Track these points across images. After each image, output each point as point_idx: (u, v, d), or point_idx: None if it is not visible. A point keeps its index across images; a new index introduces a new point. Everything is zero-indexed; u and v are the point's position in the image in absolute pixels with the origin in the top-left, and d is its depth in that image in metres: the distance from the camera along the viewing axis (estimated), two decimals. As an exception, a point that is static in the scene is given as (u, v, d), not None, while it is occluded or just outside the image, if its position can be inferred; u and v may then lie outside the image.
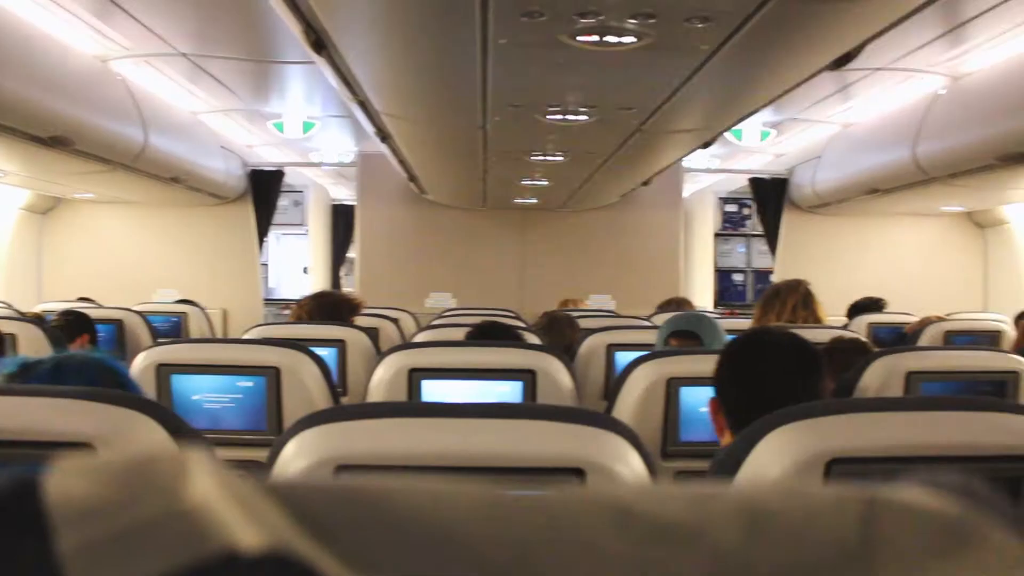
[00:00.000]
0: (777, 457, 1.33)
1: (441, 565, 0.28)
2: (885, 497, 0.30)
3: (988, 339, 5.22)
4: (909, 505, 0.30)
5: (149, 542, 0.25)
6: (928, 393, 2.52)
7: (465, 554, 0.28)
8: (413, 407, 1.36)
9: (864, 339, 3.35)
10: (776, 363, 1.84)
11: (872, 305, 5.88)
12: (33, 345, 3.78)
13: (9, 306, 5.72)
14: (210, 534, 0.26)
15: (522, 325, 4.18)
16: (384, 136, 4.94)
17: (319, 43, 3.01)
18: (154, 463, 0.27)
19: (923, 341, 4.90)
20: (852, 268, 7.92)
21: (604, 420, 1.32)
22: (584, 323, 4.28)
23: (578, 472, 1.24)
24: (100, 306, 5.79)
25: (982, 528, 0.29)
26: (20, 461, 1.31)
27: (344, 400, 3.06)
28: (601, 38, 2.50)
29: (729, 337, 3.64)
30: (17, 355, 3.74)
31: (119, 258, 7.79)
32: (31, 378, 1.54)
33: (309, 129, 6.85)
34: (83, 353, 1.65)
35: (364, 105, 4.11)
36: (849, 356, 2.81)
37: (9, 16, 3.94)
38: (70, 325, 4.29)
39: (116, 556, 0.25)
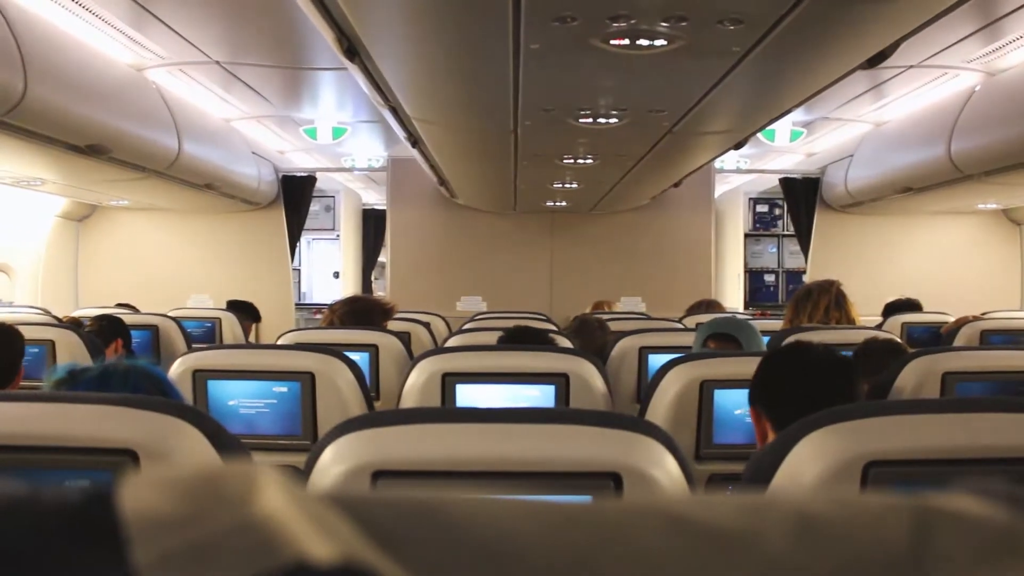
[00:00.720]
0: (814, 460, 1.33)
1: (502, 576, 0.29)
2: (935, 505, 0.30)
3: (1026, 338, 5.15)
4: (959, 513, 0.30)
5: (221, 554, 0.26)
6: (964, 394, 2.49)
7: (525, 564, 0.28)
8: (449, 412, 1.37)
9: (898, 339, 3.32)
10: (814, 383, 1.86)
11: (907, 305, 5.82)
12: (71, 351, 3.84)
13: (47, 312, 5.82)
14: (281, 546, 0.26)
15: (553, 328, 4.19)
16: (415, 141, 4.96)
17: (351, 50, 3.03)
18: (225, 476, 0.28)
19: (959, 341, 4.85)
20: (886, 268, 7.84)
21: (640, 424, 1.33)
22: (616, 326, 4.28)
23: (614, 477, 1.24)
24: (138, 312, 5.87)
25: (1032, 537, 0.29)
26: (66, 467, 1.34)
27: (377, 405, 3.08)
28: (633, 41, 2.50)
29: (765, 339, 3.64)
30: (56, 361, 3.82)
31: (153, 264, 7.89)
32: (78, 385, 1.57)
33: (340, 135, 6.90)
34: (127, 361, 1.68)
35: (395, 111, 4.14)
36: (883, 357, 2.79)
37: (47, 27, 4.01)
38: (104, 330, 4.35)
39: (189, 568, 0.26)
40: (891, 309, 5.84)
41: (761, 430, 1.89)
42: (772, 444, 1.41)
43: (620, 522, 0.29)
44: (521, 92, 3.22)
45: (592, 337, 4.05)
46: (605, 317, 4.86)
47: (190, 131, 5.62)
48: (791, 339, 3.19)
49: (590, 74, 2.99)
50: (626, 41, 2.50)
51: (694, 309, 6.15)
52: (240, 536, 0.27)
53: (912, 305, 5.83)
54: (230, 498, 0.28)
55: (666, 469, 1.27)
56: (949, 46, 4.61)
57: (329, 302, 10.12)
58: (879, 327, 5.04)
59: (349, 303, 3.92)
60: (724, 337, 3.01)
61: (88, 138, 4.50)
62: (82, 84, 4.31)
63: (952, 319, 5.28)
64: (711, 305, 6.40)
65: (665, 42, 2.53)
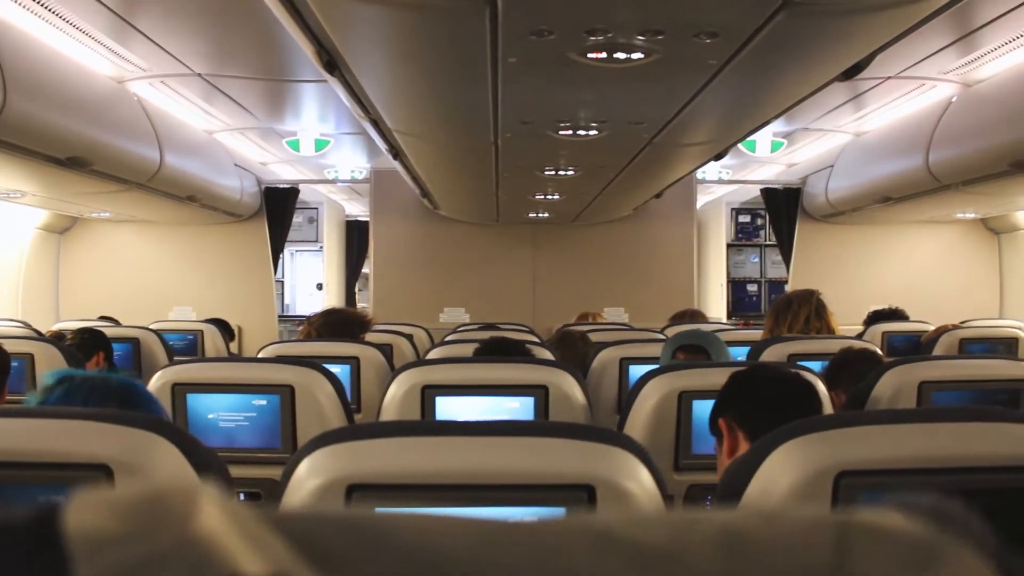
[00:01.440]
0: (786, 470, 1.34)
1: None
2: (858, 520, 0.31)
3: (1005, 346, 5.20)
4: (881, 528, 0.31)
5: (162, 571, 0.27)
6: (941, 403, 2.51)
7: (457, 581, 0.29)
8: (423, 425, 1.38)
9: (875, 348, 3.35)
10: (778, 395, 1.91)
11: (892, 314, 5.84)
12: (50, 364, 3.82)
13: (27, 325, 5.79)
14: (217, 563, 0.27)
15: (535, 340, 4.20)
16: (396, 153, 4.97)
17: (331, 63, 3.04)
18: (167, 495, 0.29)
19: (938, 349, 4.89)
20: (867, 277, 7.90)
21: (614, 436, 1.34)
22: (597, 336, 4.29)
23: (588, 488, 1.25)
24: (120, 324, 5.84)
25: (953, 550, 0.31)
26: (40, 483, 1.34)
27: (358, 417, 3.08)
28: (610, 55, 2.52)
29: (741, 350, 3.66)
30: (36, 375, 3.80)
31: (135, 276, 7.86)
32: (49, 398, 1.57)
33: (323, 147, 6.90)
34: (107, 374, 1.68)
35: (376, 123, 4.15)
36: (860, 366, 2.81)
37: (27, 40, 4.00)
38: (86, 343, 4.34)
39: (130, 585, 0.27)
40: (875, 318, 5.87)
41: (731, 443, 1.91)
42: (745, 455, 1.43)
43: (553, 541, 0.30)
44: (500, 105, 3.24)
45: (574, 349, 4.06)
46: (587, 328, 4.87)
47: (172, 143, 5.61)
48: (763, 354, 3.24)
49: (569, 87, 3.01)
50: (603, 55, 2.52)
51: (677, 319, 6.18)
52: (180, 554, 0.28)
53: (897, 314, 5.86)
54: (171, 517, 0.28)
55: (639, 481, 1.28)
56: (926, 58, 4.67)
57: (312, 314, 10.12)
58: (860, 336, 5.08)
59: (326, 315, 3.94)
60: (693, 348, 3.03)
61: (69, 150, 4.49)
62: (63, 96, 4.30)
63: (932, 328, 5.32)
64: (695, 315, 6.43)
65: (642, 55, 2.55)
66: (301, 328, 4.10)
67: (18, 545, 0.29)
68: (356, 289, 11.55)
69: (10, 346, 3.71)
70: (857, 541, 0.30)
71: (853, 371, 2.77)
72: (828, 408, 2.08)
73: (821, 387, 2.18)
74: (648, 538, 0.30)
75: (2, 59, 3.68)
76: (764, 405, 1.90)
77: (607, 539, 0.30)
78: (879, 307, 6.14)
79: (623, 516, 0.31)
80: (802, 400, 1.94)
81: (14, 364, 3.70)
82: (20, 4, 3.74)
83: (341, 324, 3.77)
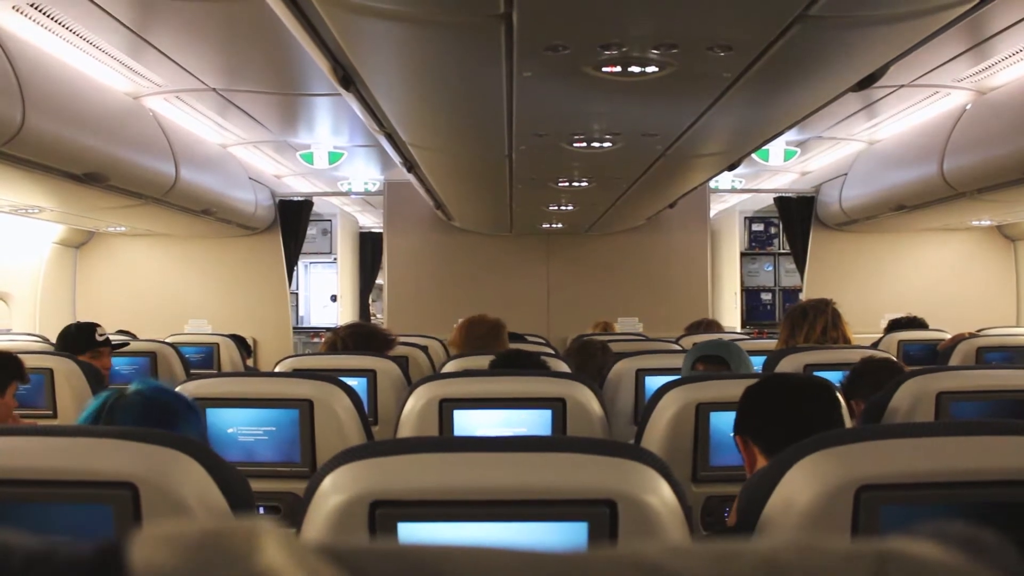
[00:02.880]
0: (807, 484, 1.34)
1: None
2: (894, 550, 0.32)
3: (1022, 355, 5.16)
4: (918, 559, 0.32)
5: (224, 607, 0.28)
6: (959, 414, 2.50)
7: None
8: (446, 442, 1.39)
9: (895, 359, 3.33)
10: (799, 409, 1.91)
11: (912, 323, 5.81)
12: (69, 379, 3.85)
13: (45, 340, 5.83)
14: (280, 600, 0.28)
15: (550, 351, 4.20)
16: (411, 166, 5.00)
17: (347, 79, 3.07)
18: (229, 532, 0.30)
19: (955, 358, 4.86)
20: (881, 285, 7.88)
21: (635, 452, 1.34)
22: (613, 347, 4.29)
23: (610, 504, 1.26)
24: (137, 338, 5.88)
25: (989, 580, 0.31)
26: (67, 501, 1.35)
27: (375, 430, 3.09)
28: (624, 69, 2.53)
29: (755, 360, 3.66)
30: (55, 390, 3.82)
31: (151, 290, 7.91)
32: (100, 417, 1.60)
33: (337, 159, 6.94)
34: (144, 391, 1.71)
35: (391, 137, 4.17)
36: (880, 376, 2.80)
37: (45, 57, 4.04)
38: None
39: (195, 620, 0.28)
40: (895, 326, 5.84)
41: (749, 458, 1.91)
42: (765, 470, 1.43)
43: (602, 571, 0.31)
44: (515, 118, 3.26)
45: (593, 359, 4.06)
46: (606, 338, 4.88)
47: (187, 158, 5.65)
48: (779, 365, 3.23)
49: (583, 100, 3.03)
50: (618, 68, 2.53)
51: (693, 328, 6.17)
52: (242, 591, 0.29)
53: (916, 323, 5.82)
54: (234, 553, 0.29)
55: (660, 495, 1.29)
56: (940, 65, 4.66)
57: (327, 326, 10.17)
58: (875, 345, 5.07)
59: (354, 327, 4.03)
60: (713, 359, 3.03)
61: (86, 166, 4.53)
62: (80, 113, 4.35)
63: (948, 336, 5.30)
64: (710, 324, 6.41)
65: (656, 69, 2.56)
66: (325, 339, 4.17)
67: (84, 579, 0.30)
68: (370, 300, 11.58)
69: (29, 361, 3.74)
70: (894, 571, 0.31)
71: (873, 381, 2.77)
72: (847, 417, 2.07)
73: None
74: (693, 571, 0.31)
75: (21, 77, 3.72)
76: (775, 420, 1.90)
77: (654, 571, 0.31)
78: (894, 315, 6.11)
79: (668, 547, 0.32)
80: (817, 409, 1.93)
81: (34, 378, 3.73)
82: (38, 23, 3.79)
83: (368, 336, 3.85)
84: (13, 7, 3.59)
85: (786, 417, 1.89)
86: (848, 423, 2.06)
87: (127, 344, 4.77)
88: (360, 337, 3.86)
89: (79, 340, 4.35)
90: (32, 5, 3.59)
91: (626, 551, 0.32)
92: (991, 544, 0.33)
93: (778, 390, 1.98)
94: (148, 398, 1.70)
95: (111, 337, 5.00)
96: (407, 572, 0.31)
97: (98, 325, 4.53)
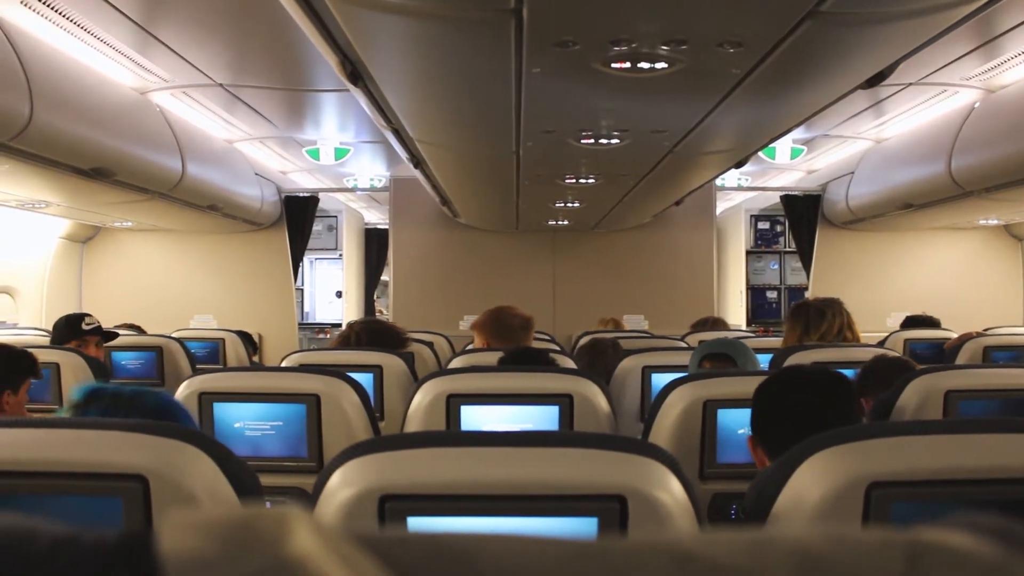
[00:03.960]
0: (817, 482, 1.34)
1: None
2: (928, 540, 0.32)
3: (1029, 354, 5.15)
4: (951, 548, 0.32)
5: (255, 593, 0.28)
6: (968, 412, 2.50)
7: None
8: (456, 436, 1.38)
9: (907, 359, 3.32)
10: (812, 404, 1.89)
11: (924, 322, 5.79)
12: (75, 373, 3.85)
13: (51, 334, 5.83)
14: (312, 585, 0.28)
15: (556, 348, 4.20)
16: (417, 162, 4.99)
17: (355, 74, 3.07)
18: (258, 518, 0.29)
19: (962, 357, 4.85)
20: (888, 284, 7.86)
21: (644, 447, 1.34)
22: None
23: (619, 499, 1.26)
24: (144, 332, 5.89)
25: (1021, 571, 0.31)
26: (76, 493, 1.35)
27: (382, 425, 3.09)
28: (633, 65, 2.52)
29: (761, 358, 3.66)
30: (61, 383, 3.83)
31: (157, 285, 7.92)
32: (88, 411, 1.59)
33: (343, 155, 6.94)
34: (137, 388, 1.71)
35: (398, 133, 4.17)
36: (892, 374, 2.79)
37: (52, 52, 4.04)
38: None
39: (225, 605, 0.28)
40: (908, 324, 5.82)
41: (760, 459, 1.91)
42: (775, 466, 1.42)
43: (628, 559, 0.31)
44: (523, 114, 3.25)
45: (604, 356, 4.04)
46: (618, 336, 4.87)
47: (193, 153, 5.65)
48: (787, 363, 3.22)
49: (591, 96, 3.02)
50: (627, 64, 2.52)
51: (698, 326, 6.16)
52: (274, 575, 0.28)
53: (929, 322, 5.80)
54: (264, 539, 0.29)
55: (670, 491, 1.28)
56: (948, 63, 4.65)
57: (332, 322, 10.17)
58: (882, 343, 5.06)
59: (368, 323, 4.13)
60: (720, 357, 3.03)
61: (93, 161, 4.54)
62: (87, 108, 4.35)
63: (955, 335, 5.29)
64: (716, 322, 6.41)
65: (666, 65, 2.55)
66: (340, 332, 4.23)
67: (112, 567, 0.29)
68: (375, 297, 11.59)
69: (35, 355, 3.75)
70: (929, 561, 0.31)
71: (884, 379, 2.76)
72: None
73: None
74: (726, 557, 0.30)
75: (28, 72, 3.72)
76: (779, 419, 1.89)
77: (688, 558, 0.30)
78: (900, 314, 6.09)
79: (701, 535, 0.32)
80: (825, 402, 1.91)
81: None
82: (46, 18, 3.79)
83: (381, 333, 3.92)
84: (22, 2, 3.59)
85: (795, 414, 1.87)
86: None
87: (117, 335, 4.75)
88: (374, 333, 3.91)
89: (64, 330, 4.37)
90: (42, 0, 3.60)
91: (658, 539, 0.32)
92: (1022, 534, 0.33)
93: (784, 388, 1.96)
94: (145, 396, 1.70)
95: (115, 330, 5.01)
96: (439, 560, 0.31)
97: (87, 315, 4.53)
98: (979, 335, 5.12)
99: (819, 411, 1.86)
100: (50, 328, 6.18)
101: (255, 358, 6.73)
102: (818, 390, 1.92)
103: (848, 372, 2.95)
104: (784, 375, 2.03)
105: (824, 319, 3.86)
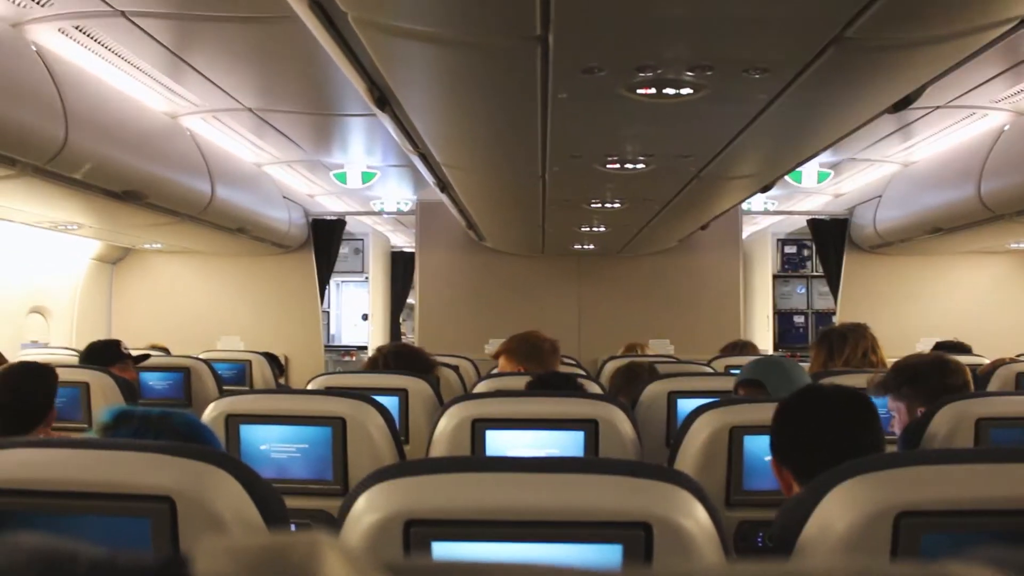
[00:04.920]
0: (844, 511, 1.33)
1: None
2: (953, 574, 0.32)
3: (1063, 381, 5.06)
4: (977, 584, 0.31)
5: (286, 619, 0.28)
6: (1000, 441, 2.46)
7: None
8: (481, 462, 1.39)
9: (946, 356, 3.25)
10: (834, 426, 1.87)
11: (955, 347, 5.69)
12: (104, 393, 3.89)
13: (82, 356, 5.89)
14: (342, 613, 0.29)
15: (582, 373, 4.19)
16: (444, 186, 5.02)
17: (382, 99, 3.10)
18: (291, 545, 0.30)
19: (994, 384, 4.78)
20: (917, 309, 7.78)
21: (670, 474, 1.33)
22: (644, 369, 4.26)
23: (645, 526, 1.25)
24: (170, 353, 5.94)
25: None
26: (104, 513, 1.36)
27: (407, 449, 3.09)
28: (659, 90, 2.53)
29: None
30: (91, 403, 3.87)
31: (185, 306, 7.99)
32: (118, 432, 1.61)
33: (369, 179, 6.99)
34: (165, 411, 1.72)
35: (425, 157, 4.20)
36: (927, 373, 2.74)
37: (87, 78, 4.12)
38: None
39: (257, 632, 0.28)
40: (938, 350, 5.72)
41: (785, 481, 1.89)
42: (802, 494, 1.41)
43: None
44: (549, 139, 3.27)
45: (639, 381, 4.00)
46: (651, 360, 4.83)
47: (223, 176, 5.72)
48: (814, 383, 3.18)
49: (617, 122, 3.03)
50: (652, 90, 2.53)
51: (727, 350, 6.12)
52: (304, 603, 0.29)
53: (960, 347, 5.70)
54: (295, 566, 0.30)
55: (696, 519, 1.28)
56: (976, 87, 4.62)
57: (358, 344, 10.20)
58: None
59: (399, 347, 4.19)
60: (752, 383, 3.01)
61: (125, 184, 4.61)
62: (120, 132, 4.42)
63: (986, 361, 5.21)
64: (745, 346, 6.36)
65: (691, 90, 2.56)
66: (370, 356, 4.28)
67: (148, 591, 0.30)
68: (401, 320, 11.61)
69: (65, 374, 3.79)
70: (955, 597, 0.31)
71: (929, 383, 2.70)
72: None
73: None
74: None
75: (64, 97, 3.79)
76: (800, 438, 1.87)
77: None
78: (929, 339, 6.01)
79: (727, 567, 0.32)
80: (845, 418, 1.89)
81: (69, 392, 3.79)
82: (82, 44, 3.86)
83: (411, 357, 3.94)
84: (59, 30, 3.67)
85: (818, 437, 1.85)
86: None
87: (148, 357, 4.85)
88: (403, 357, 3.93)
89: (105, 354, 4.44)
90: (77, 28, 3.67)
91: (682, 568, 0.32)
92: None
93: (807, 403, 1.94)
94: (174, 418, 1.71)
95: (145, 352, 5.06)
96: None
97: (120, 341, 4.67)
98: (1012, 361, 5.04)
99: (839, 428, 1.85)
100: (79, 348, 6.26)
101: (281, 380, 6.76)
102: (837, 408, 1.91)
103: (879, 401, 2.91)
104: (802, 395, 2.01)
105: (847, 343, 3.83)
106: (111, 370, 4.13)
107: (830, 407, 1.91)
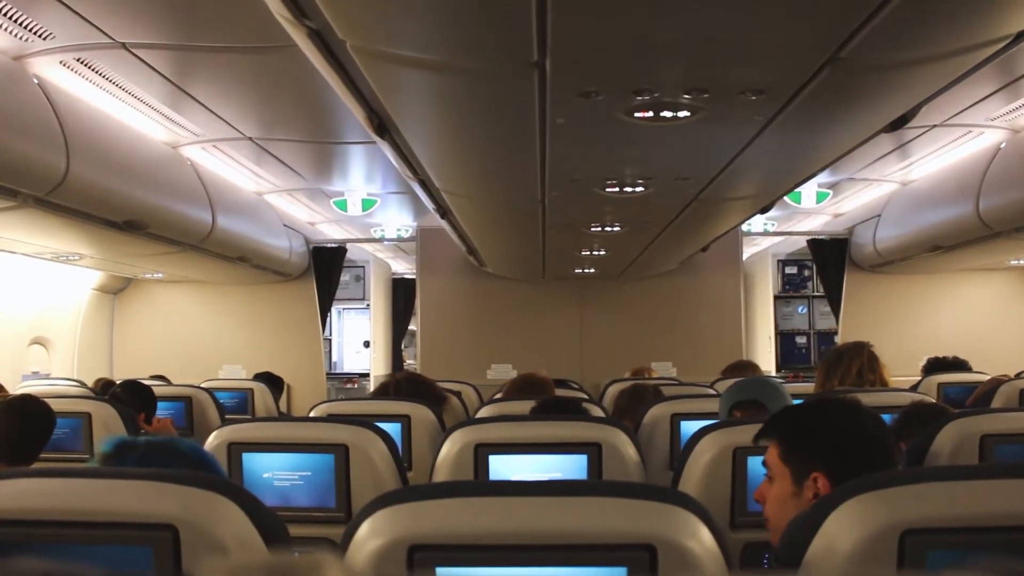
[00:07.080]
0: (850, 528, 1.32)
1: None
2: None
3: (1066, 398, 5.05)
4: (980, 595, 0.31)
5: (289, 639, 0.28)
6: (1004, 457, 2.45)
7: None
8: (484, 486, 1.39)
9: (944, 406, 3.26)
10: (873, 443, 1.85)
11: (953, 364, 5.67)
12: (106, 423, 3.88)
13: (83, 384, 5.90)
14: (345, 632, 0.29)
15: (584, 396, 4.18)
16: (444, 212, 5.04)
17: (381, 127, 3.12)
18: (294, 564, 0.30)
19: (997, 401, 4.77)
20: (919, 327, 7.78)
21: (674, 496, 1.33)
22: (646, 392, 4.25)
23: (649, 548, 1.24)
24: (171, 383, 5.93)
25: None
26: (108, 542, 1.36)
27: (410, 475, 3.08)
28: (656, 114, 2.55)
29: (796, 402, 3.60)
30: (93, 433, 3.86)
31: (186, 335, 7.99)
32: (122, 461, 1.61)
33: (370, 206, 7.01)
34: (168, 439, 1.72)
35: (424, 183, 4.22)
36: (929, 418, 2.74)
37: (89, 109, 4.15)
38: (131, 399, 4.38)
39: (260, 652, 0.28)
40: (935, 367, 5.70)
41: (783, 490, 1.87)
42: (807, 512, 1.41)
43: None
44: (548, 164, 3.28)
45: (644, 403, 4.00)
46: (656, 383, 4.82)
47: (223, 205, 5.74)
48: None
49: (615, 145, 3.05)
50: (650, 113, 2.55)
51: (730, 371, 6.10)
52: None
53: (958, 364, 5.68)
54: (297, 587, 0.30)
55: (700, 540, 1.27)
56: (972, 105, 4.65)
57: (360, 371, 10.19)
58: (915, 387, 4.99)
59: (411, 376, 4.20)
60: (749, 404, 2.99)
61: (126, 214, 4.62)
62: (121, 162, 4.44)
63: (986, 378, 5.20)
64: (747, 367, 6.34)
65: (688, 113, 2.57)
66: (354, 383, 4.31)
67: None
68: (403, 346, 11.60)
69: (67, 405, 3.80)
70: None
71: (922, 424, 2.71)
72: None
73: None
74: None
75: (65, 128, 3.81)
76: (854, 440, 1.83)
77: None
78: (933, 357, 5.99)
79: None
80: (886, 434, 1.87)
81: (71, 423, 3.78)
82: (83, 76, 3.89)
83: (421, 387, 3.94)
84: (61, 62, 3.69)
85: (862, 446, 1.82)
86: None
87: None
88: (414, 385, 3.93)
89: (138, 401, 4.42)
90: (79, 60, 3.70)
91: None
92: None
93: (856, 418, 1.90)
94: (180, 446, 1.71)
95: (146, 382, 5.06)
96: None
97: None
98: (1015, 378, 5.03)
99: (877, 452, 1.81)
100: (80, 378, 6.26)
101: (281, 400, 6.74)
102: (869, 414, 1.89)
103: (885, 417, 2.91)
104: (846, 407, 1.96)
105: (841, 362, 3.83)
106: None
107: (865, 413, 1.90)
